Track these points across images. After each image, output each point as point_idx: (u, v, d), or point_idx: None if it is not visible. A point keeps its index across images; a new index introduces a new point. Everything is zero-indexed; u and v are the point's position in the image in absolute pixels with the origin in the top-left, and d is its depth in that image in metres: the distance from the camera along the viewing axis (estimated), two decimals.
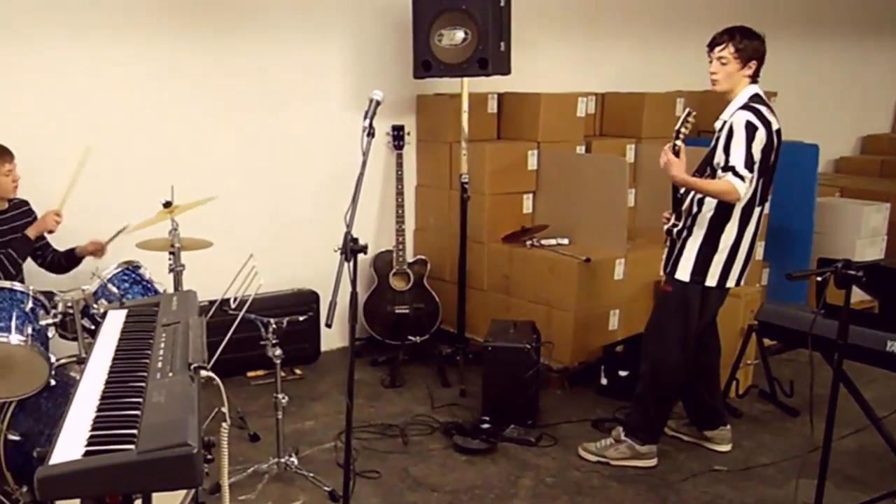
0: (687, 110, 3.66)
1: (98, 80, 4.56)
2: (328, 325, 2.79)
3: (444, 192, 5.51)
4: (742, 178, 3.54)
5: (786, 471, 3.95)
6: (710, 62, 3.70)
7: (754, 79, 3.70)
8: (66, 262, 4.20)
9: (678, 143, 3.61)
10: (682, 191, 3.78)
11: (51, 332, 3.39)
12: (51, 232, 4.09)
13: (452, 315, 5.26)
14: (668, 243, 3.90)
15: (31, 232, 4.02)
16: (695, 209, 3.77)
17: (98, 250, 4.17)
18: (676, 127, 3.63)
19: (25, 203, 4.17)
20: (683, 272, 3.80)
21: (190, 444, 1.74)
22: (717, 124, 3.72)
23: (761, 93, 3.70)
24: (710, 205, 3.72)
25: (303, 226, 5.32)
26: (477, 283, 5.35)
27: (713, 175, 3.67)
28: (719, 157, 3.63)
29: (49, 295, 3.53)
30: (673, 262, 3.85)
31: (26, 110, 4.37)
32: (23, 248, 3.98)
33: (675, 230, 3.82)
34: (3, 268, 3.87)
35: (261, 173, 5.17)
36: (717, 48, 3.67)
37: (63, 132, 4.44)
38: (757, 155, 3.57)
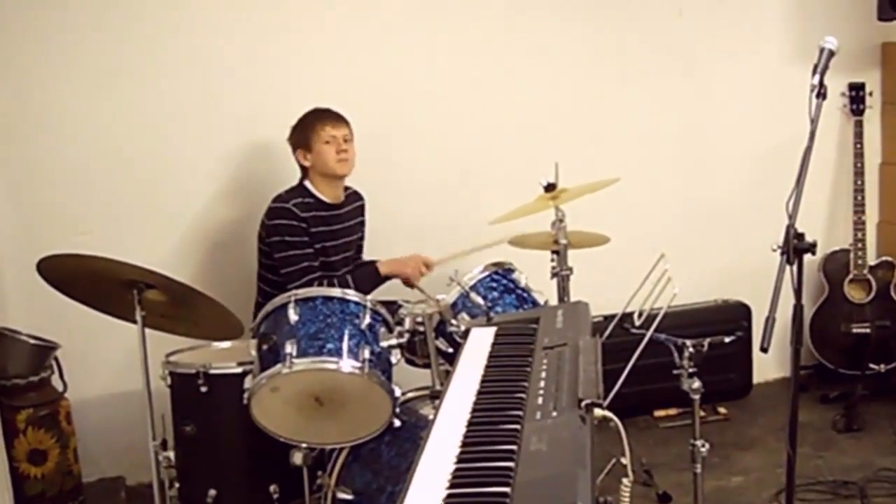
0: None
1: (458, 22, 4.71)
2: (763, 350, 2.74)
3: None
4: None
5: None
6: None
7: None
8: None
9: None
10: None
11: (395, 357, 3.23)
12: (407, 283, 3.94)
13: None
14: None
15: (384, 267, 3.90)
16: None
17: (413, 277, 3.93)
18: None
19: (360, 197, 4.06)
20: None
21: None
22: None
23: None
24: None
25: (727, 217, 5.31)
26: None
27: None
28: None
29: (392, 306, 3.39)
30: None
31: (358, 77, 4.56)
32: (364, 283, 3.79)
33: None
34: None
35: (670, 148, 5.18)
36: None
37: (410, 96, 4.64)
38: None
